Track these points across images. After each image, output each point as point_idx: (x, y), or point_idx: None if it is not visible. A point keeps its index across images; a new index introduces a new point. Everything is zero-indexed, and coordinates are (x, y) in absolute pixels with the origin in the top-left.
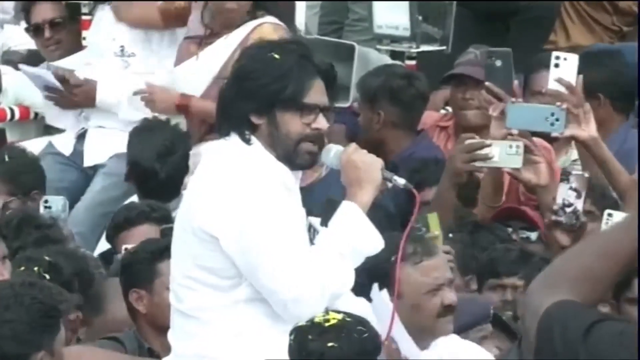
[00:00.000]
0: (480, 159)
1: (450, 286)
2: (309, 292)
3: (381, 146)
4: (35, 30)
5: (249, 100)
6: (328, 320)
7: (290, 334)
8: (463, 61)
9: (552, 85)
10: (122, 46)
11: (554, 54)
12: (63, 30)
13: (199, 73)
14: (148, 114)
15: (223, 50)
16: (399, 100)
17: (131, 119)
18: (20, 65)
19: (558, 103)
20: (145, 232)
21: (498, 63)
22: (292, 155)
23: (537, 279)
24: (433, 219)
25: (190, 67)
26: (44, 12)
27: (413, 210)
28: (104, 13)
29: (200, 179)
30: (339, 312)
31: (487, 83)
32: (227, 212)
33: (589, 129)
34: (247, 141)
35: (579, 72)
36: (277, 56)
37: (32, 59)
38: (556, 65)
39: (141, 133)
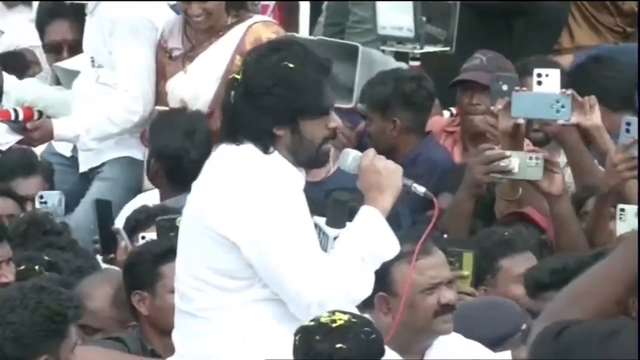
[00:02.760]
0: (500, 170)
1: (449, 285)
2: (334, 296)
3: (393, 152)
4: (53, 49)
5: (271, 114)
6: (335, 321)
7: (296, 334)
8: (469, 66)
9: None
10: (92, 57)
11: (536, 71)
12: (80, 53)
13: (197, 85)
14: (105, 142)
15: (218, 56)
16: (413, 103)
17: (91, 148)
18: None
19: (563, 90)
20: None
21: (504, 87)
22: (315, 157)
23: (534, 322)
24: (468, 259)
25: (181, 80)
26: (64, 32)
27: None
28: (87, 19)
29: (215, 183)
30: (344, 312)
31: (492, 107)
32: (245, 218)
33: (593, 118)
34: (266, 151)
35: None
36: (291, 66)
37: (12, 59)
38: (539, 83)
39: (161, 121)
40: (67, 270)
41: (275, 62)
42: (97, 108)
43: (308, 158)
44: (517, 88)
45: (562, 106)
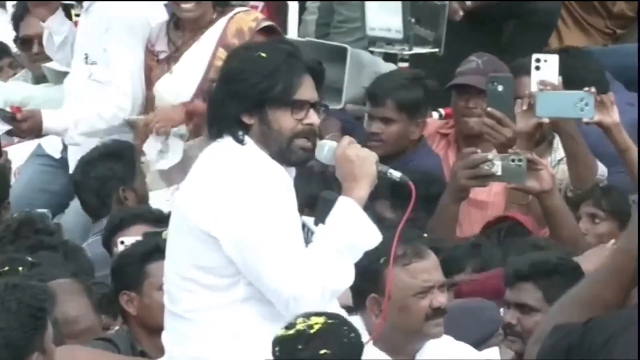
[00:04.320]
0: (483, 174)
1: (442, 289)
2: (308, 290)
3: (400, 154)
4: (24, 42)
5: (239, 100)
6: (312, 327)
7: (274, 345)
8: (465, 70)
9: (535, 88)
10: (85, 54)
11: (534, 56)
12: None
13: (182, 82)
14: (93, 139)
15: (201, 51)
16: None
17: (78, 143)
18: None
19: (586, 88)
20: (140, 232)
21: (500, 88)
22: (286, 152)
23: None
24: None
25: (168, 82)
26: (36, 27)
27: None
28: (81, 17)
29: (196, 180)
30: (319, 314)
31: (488, 109)
32: (225, 212)
33: (613, 115)
34: (241, 142)
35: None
36: (263, 55)
37: None
38: (537, 68)
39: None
40: (60, 272)
41: (251, 52)
42: (88, 103)
43: (278, 150)
44: (541, 87)
45: (586, 104)
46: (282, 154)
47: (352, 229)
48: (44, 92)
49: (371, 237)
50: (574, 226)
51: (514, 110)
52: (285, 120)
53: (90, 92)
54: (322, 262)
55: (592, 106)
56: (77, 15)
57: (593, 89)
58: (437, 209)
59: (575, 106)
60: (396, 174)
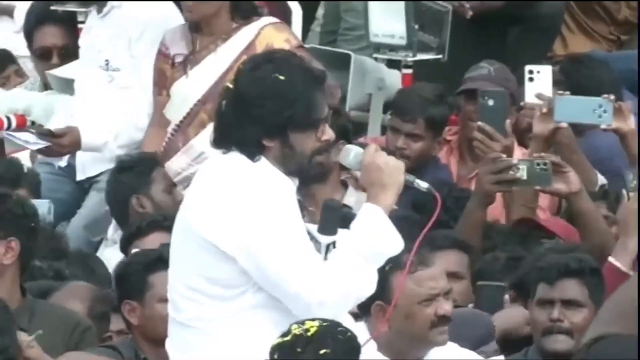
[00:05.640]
0: (509, 179)
1: (447, 297)
2: (333, 295)
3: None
4: (42, 55)
5: (260, 125)
6: (308, 330)
7: (272, 352)
8: (476, 75)
9: (531, 99)
10: (107, 60)
11: (527, 68)
12: (70, 59)
13: (195, 85)
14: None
15: (222, 59)
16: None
17: (116, 155)
18: (5, 133)
19: (605, 95)
20: (157, 240)
21: (490, 102)
22: (305, 169)
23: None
24: None
25: (183, 85)
26: (53, 38)
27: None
28: (93, 21)
29: (204, 192)
30: (312, 319)
31: (479, 123)
32: (238, 228)
33: (630, 123)
34: (252, 159)
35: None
36: (281, 77)
37: None
38: (530, 80)
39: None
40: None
41: (266, 73)
42: (119, 113)
43: (298, 169)
44: (559, 92)
45: (605, 111)
46: (301, 172)
47: (379, 236)
48: (47, 100)
49: (395, 244)
50: (604, 228)
51: (504, 125)
52: (307, 141)
53: (110, 98)
54: (346, 268)
55: (610, 113)
56: (81, 22)
57: (612, 96)
58: (463, 214)
59: (594, 112)
60: (423, 185)
